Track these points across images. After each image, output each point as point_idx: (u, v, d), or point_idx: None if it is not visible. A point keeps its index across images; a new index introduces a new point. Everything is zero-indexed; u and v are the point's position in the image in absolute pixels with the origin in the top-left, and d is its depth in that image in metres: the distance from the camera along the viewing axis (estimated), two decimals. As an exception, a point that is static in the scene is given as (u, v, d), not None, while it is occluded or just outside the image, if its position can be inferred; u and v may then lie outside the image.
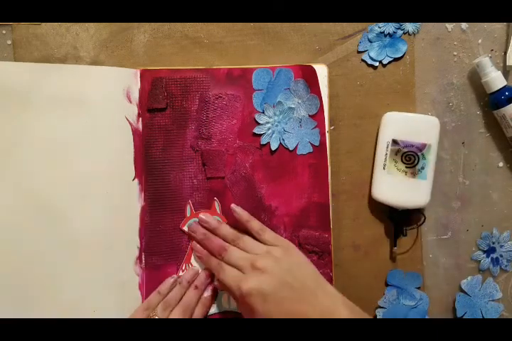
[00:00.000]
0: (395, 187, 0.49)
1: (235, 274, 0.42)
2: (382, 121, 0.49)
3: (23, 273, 0.44)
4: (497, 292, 0.51)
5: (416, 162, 0.48)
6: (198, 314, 0.46)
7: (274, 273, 0.40)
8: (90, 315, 0.44)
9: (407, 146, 0.48)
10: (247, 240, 0.45)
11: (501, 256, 0.51)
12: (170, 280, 0.46)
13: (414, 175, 0.48)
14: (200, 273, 0.47)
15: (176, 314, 0.44)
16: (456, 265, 0.51)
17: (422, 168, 0.48)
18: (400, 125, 0.49)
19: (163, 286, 0.46)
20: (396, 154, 0.48)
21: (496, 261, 0.50)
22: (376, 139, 0.50)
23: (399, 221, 0.50)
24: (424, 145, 0.48)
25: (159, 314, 0.44)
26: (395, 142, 0.48)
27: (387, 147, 0.49)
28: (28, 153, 0.45)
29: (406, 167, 0.48)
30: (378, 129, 0.50)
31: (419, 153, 0.48)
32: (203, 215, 0.47)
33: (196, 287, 0.46)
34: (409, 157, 0.48)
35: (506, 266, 0.50)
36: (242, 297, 0.40)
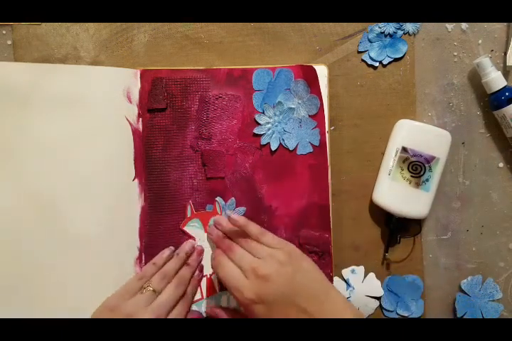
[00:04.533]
0: (396, 194, 0.48)
1: (235, 275, 0.40)
2: (396, 126, 0.49)
3: (23, 274, 0.44)
4: (497, 292, 0.51)
5: (422, 173, 0.48)
6: (189, 292, 0.45)
7: (279, 281, 0.38)
8: (91, 315, 0.44)
9: (416, 156, 0.48)
10: (251, 242, 0.43)
11: None
12: (166, 252, 0.46)
13: (417, 185, 0.48)
14: (194, 252, 0.47)
15: (172, 287, 0.43)
16: (456, 265, 0.51)
17: (427, 180, 0.48)
18: (412, 134, 0.49)
19: (159, 258, 0.45)
20: (404, 162, 0.48)
21: None
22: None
23: (394, 228, 0.49)
24: (432, 158, 0.48)
25: (155, 285, 0.42)
26: (404, 150, 0.48)
27: (396, 153, 0.48)
28: (28, 153, 0.45)
29: (411, 176, 0.48)
30: (390, 134, 0.49)
31: (426, 165, 0.48)
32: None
33: (188, 264, 0.46)
34: (416, 167, 0.48)
35: None
36: (245, 304, 0.39)
